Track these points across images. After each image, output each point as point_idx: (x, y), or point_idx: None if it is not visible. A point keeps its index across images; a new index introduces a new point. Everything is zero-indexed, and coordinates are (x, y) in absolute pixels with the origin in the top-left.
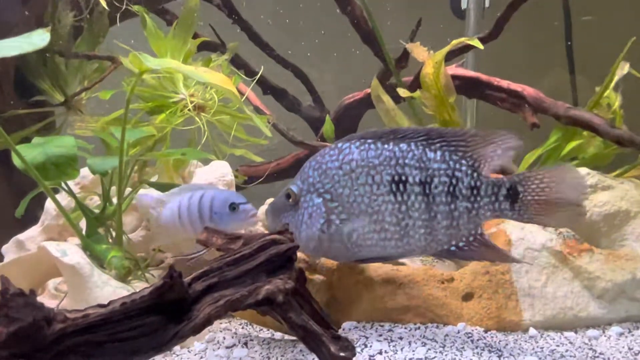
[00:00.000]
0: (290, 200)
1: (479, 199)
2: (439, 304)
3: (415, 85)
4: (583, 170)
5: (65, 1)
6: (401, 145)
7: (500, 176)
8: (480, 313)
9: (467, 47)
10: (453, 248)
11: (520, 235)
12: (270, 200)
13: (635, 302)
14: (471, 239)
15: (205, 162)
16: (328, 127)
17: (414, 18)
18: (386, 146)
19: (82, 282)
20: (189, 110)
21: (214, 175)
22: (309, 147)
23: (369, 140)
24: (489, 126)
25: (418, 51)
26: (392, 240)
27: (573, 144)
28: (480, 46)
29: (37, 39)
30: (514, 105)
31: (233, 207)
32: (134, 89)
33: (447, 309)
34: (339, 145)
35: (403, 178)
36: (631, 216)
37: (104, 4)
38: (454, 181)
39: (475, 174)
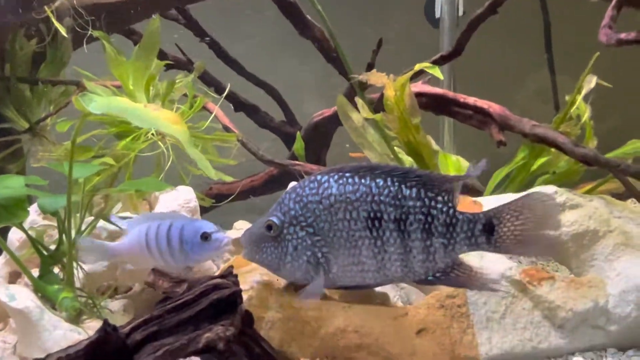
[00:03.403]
0: (272, 231)
1: (454, 235)
2: (391, 341)
3: (380, 105)
4: (551, 189)
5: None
6: (378, 180)
7: (474, 200)
8: (434, 350)
9: (442, 60)
10: (431, 277)
11: (478, 265)
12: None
13: (598, 330)
14: (448, 270)
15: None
16: (299, 145)
17: (389, 28)
18: (363, 181)
19: (31, 326)
20: (152, 135)
21: (178, 201)
22: (279, 165)
23: (347, 174)
24: (466, 143)
25: (375, 78)
26: (370, 272)
27: (542, 160)
28: (440, 76)
29: None
30: (480, 123)
31: (205, 236)
32: (79, 130)
33: (400, 346)
34: (318, 177)
35: (378, 215)
36: (600, 235)
37: (63, 32)
38: (429, 219)
39: (451, 211)
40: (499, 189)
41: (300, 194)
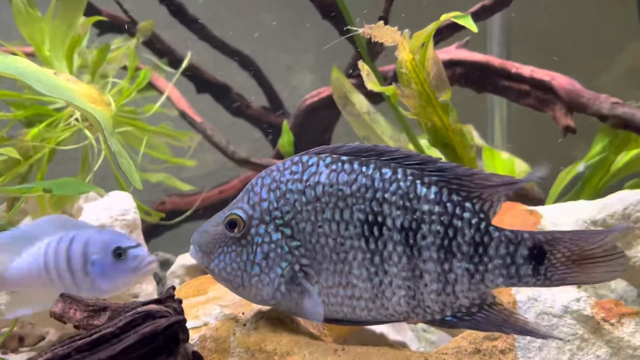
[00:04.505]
0: (235, 230)
1: (486, 259)
2: None
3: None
4: (635, 196)
5: None
6: (384, 170)
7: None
8: None
9: (484, 12)
10: (449, 318)
11: (531, 294)
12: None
13: None
14: (474, 309)
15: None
16: (285, 139)
17: None
18: (364, 169)
19: None
20: (76, 120)
21: (110, 212)
22: (257, 166)
23: (344, 158)
24: (526, 139)
25: (383, 33)
26: (362, 300)
27: (630, 155)
28: (473, 28)
29: None
30: (539, 102)
31: (119, 252)
32: None
33: None
34: (304, 159)
35: (379, 219)
36: None
37: None
38: (450, 232)
39: (482, 224)
40: (567, 195)
41: (276, 180)
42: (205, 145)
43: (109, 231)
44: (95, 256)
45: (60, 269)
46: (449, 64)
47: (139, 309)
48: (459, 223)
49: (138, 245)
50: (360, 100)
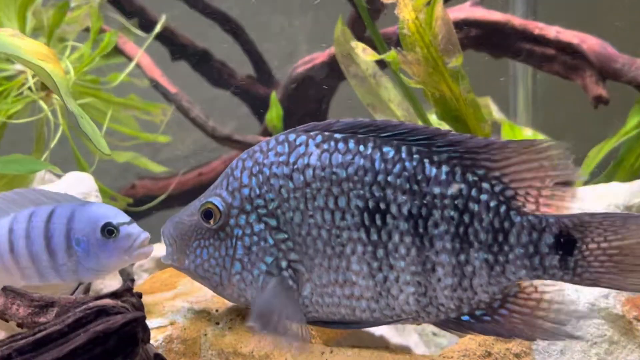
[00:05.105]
0: (212, 221)
1: (506, 248)
2: None
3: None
4: None
5: None
6: (385, 149)
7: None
8: None
9: None
10: (466, 317)
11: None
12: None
13: None
14: (496, 305)
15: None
16: (274, 112)
17: None
18: (362, 149)
19: None
20: (29, 90)
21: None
22: (241, 146)
23: (337, 136)
24: (555, 104)
25: None
26: (363, 299)
27: None
28: None
29: None
30: (567, 68)
31: (109, 229)
32: None
33: None
34: (291, 138)
35: (382, 206)
36: None
37: None
38: (466, 218)
39: (503, 208)
40: (598, 176)
41: (259, 162)
42: (184, 123)
43: (95, 204)
44: (82, 233)
45: (35, 250)
46: (462, 24)
47: (91, 304)
48: (475, 207)
49: (131, 221)
50: (366, 61)
